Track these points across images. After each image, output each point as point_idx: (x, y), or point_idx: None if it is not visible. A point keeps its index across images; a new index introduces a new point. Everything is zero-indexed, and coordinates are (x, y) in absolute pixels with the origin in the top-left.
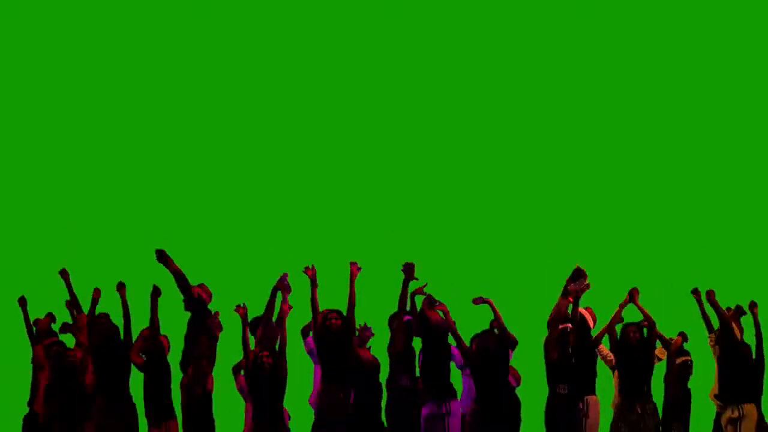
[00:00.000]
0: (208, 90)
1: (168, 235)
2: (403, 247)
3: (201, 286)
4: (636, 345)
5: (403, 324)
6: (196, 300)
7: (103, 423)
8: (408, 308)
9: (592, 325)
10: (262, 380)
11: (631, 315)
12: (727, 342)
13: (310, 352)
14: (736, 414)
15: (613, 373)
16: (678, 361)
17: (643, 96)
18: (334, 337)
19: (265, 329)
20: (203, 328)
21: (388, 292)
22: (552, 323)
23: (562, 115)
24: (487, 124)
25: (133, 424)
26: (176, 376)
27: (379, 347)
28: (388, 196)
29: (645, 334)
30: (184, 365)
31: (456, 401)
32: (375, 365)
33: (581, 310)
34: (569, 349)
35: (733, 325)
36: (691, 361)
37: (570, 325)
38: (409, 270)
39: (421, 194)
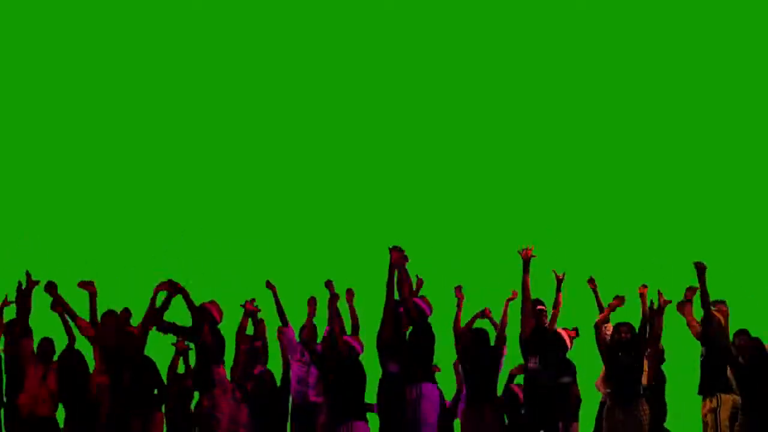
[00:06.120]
0: (198, 99)
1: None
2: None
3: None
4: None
5: (391, 313)
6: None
7: None
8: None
9: (569, 345)
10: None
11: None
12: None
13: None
14: (714, 404)
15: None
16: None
17: (636, 96)
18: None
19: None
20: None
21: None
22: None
23: (559, 116)
24: (484, 126)
25: None
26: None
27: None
28: (384, 196)
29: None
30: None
31: (429, 384)
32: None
33: (560, 330)
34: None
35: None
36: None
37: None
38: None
39: (417, 192)
